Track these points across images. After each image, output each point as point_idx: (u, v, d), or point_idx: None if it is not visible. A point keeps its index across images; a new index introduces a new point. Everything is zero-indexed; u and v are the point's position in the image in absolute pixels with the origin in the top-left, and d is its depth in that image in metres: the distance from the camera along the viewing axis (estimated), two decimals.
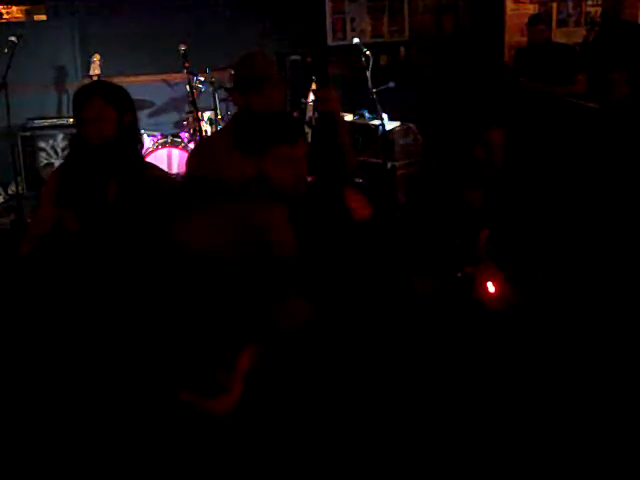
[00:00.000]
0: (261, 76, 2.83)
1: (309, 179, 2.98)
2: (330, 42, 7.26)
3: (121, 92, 2.67)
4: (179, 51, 5.36)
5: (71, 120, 5.83)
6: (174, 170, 5.53)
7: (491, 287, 2.56)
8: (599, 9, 6.54)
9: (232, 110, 5.91)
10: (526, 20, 5.94)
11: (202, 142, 3.06)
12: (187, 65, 5.37)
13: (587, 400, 2.58)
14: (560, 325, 2.72)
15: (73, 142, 2.73)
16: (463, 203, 2.71)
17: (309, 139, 4.62)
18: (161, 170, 2.93)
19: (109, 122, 2.57)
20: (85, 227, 2.55)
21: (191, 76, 5.47)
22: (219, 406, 1.83)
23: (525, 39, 6.03)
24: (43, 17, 6.37)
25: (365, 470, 2.21)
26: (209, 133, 5.69)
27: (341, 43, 7.14)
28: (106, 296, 2.16)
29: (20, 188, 5.28)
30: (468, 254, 2.61)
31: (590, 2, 6.70)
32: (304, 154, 2.33)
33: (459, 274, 2.58)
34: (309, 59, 6.26)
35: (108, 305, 2.10)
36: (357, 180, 4.65)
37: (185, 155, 5.49)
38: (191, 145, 5.54)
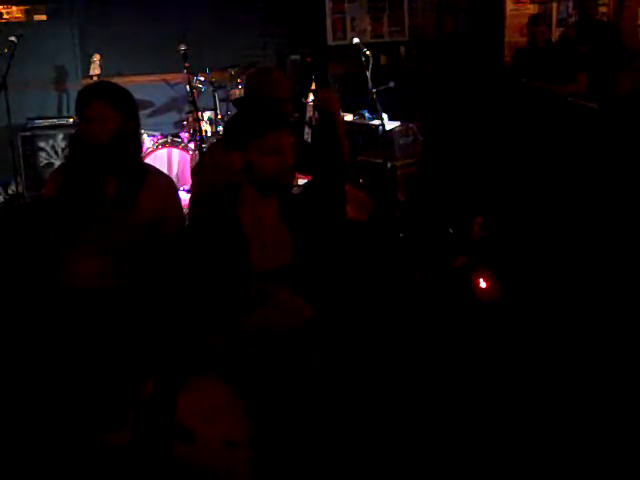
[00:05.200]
0: (284, 96, 2.85)
1: (307, 178, 2.98)
2: (330, 42, 7.27)
3: (127, 97, 2.62)
4: (179, 51, 5.36)
5: (71, 120, 5.84)
6: (174, 170, 5.53)
7: (482, 282, 2.68)
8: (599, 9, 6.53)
9: (232, 110, 5.91)
10: (526, 20, 5.94)
11: (201, 161, 3.05)
12: (187, 65, 5.37)
13: (580, 390, 2.61)
14: (550, 316, 2.77)
15: (72, 142, 2.70)
16: (453, 196, 2.76)
17: (309, 139, 4.62)
18: (167, 178, 2.79)
19: (110, 124, 2.53)
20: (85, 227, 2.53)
21: (191, 76, 5.47)
22: (116, 439, 1.93)
23: (525, 39, 6.03)
24: (43, 17, 6.37)
25: (357, 465, 2.22)
26: (209, 133, 5.69)
27: (341, 43, 7.14)
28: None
29: (20, 188, 5.29)
30: (462, 241, 2.68)
31: None
32: (290, 144, 2.34)
33: (455, 262, 2.66)
34: (309, 59, 6.25)
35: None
36: (359, 180, 4.65)
37: (185, 155, 5.49)
38: (191, 145, 5.54)
